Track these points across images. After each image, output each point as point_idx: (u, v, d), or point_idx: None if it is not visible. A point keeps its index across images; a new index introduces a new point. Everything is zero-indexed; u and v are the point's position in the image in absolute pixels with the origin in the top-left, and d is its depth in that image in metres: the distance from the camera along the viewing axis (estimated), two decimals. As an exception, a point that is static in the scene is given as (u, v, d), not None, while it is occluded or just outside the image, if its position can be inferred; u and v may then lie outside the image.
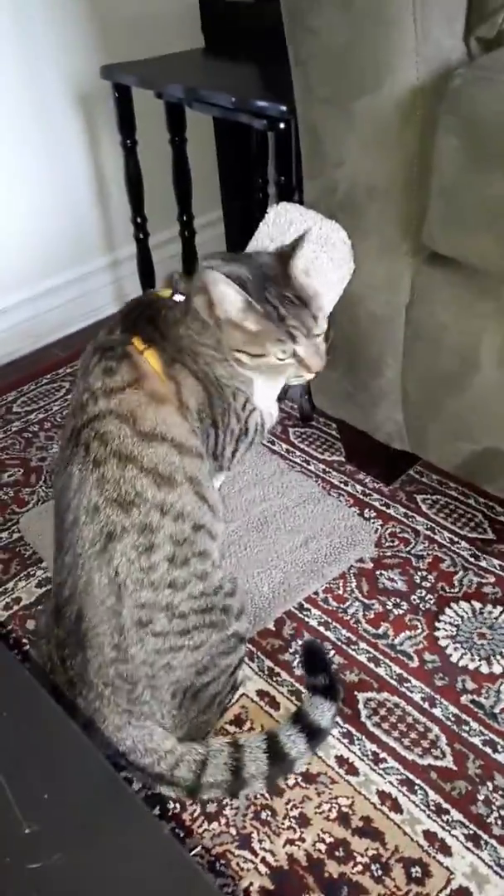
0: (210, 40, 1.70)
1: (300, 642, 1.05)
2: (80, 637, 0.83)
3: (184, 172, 1.63)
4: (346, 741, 0.94)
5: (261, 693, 1.00)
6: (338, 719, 0.96)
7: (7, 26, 1.54)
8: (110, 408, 0.83)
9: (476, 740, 0.92)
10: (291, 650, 1.05)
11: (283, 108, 1.18)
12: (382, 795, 0.88)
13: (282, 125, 1.20)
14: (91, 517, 0.81)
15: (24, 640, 1.08)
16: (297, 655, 1.04)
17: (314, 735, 0.90)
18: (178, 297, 0.91)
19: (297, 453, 1.42)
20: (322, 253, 1.00)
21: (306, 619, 1.09)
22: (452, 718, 0.95)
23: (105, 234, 1.90)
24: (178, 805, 0.88)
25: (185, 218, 1.68)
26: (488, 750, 0.91)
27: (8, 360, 1.80)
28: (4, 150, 1.63)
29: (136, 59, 1.53)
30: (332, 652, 1.04)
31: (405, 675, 1.01)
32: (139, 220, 1.66)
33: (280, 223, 1.04)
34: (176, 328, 0.89)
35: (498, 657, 1.01)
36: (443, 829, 0.85)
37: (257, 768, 0.87)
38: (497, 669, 1.00)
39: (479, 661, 1.01)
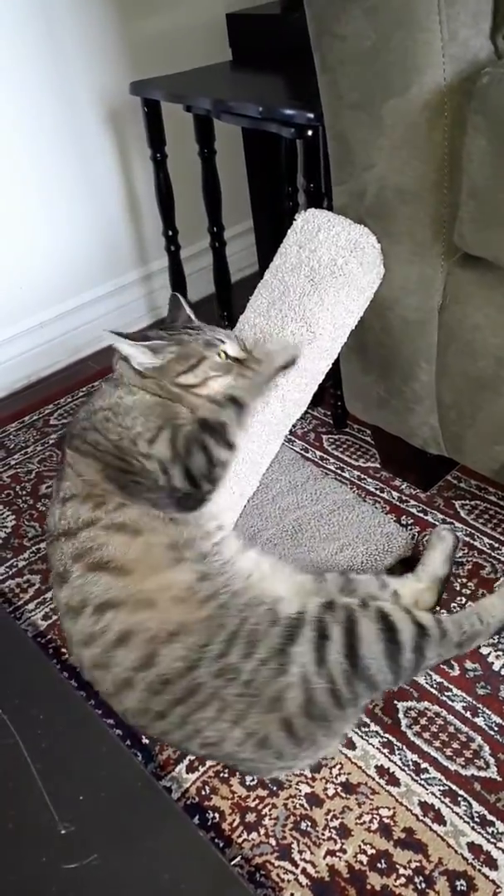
0: (237, 53, 1.71)
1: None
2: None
3: (213, 184, 1.64)
4: (386, 751, 0.92)
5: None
6: (377, 729, 0.94)
7: (39, 48, 1.58)
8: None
9: (521, 750, 0.90)
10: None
11: (311, 115, 1.18)
12: (425, 806, 0.86)
13: (310, 132, 1.20)
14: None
15: (63, 650, 1.09)
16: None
17: None
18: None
19: (331, 460, 1.41)
20: (351, 258, 0.99)
21: (343, 627, 1.08)
22: (496, 728, 0.93)
23: (137, 248, 1.93)
24: (217, 815, 0.88)
25: (215, 229, 1.69)
26: (534, 760, 0.89)
27: (45, 374, 1.84)
28: (39, 170, 1.67)
29: (164, 74, 1.55)
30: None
31: (446, 683, 0.99)
32: (170, 232, 1.68)
33: (308, 229, 1.04)
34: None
35: (542, 665, 0.99)
36: (488, 841, 0.82)
37: None
38: (541, 677, 0.98)
39: (523, 668, 0.99)
